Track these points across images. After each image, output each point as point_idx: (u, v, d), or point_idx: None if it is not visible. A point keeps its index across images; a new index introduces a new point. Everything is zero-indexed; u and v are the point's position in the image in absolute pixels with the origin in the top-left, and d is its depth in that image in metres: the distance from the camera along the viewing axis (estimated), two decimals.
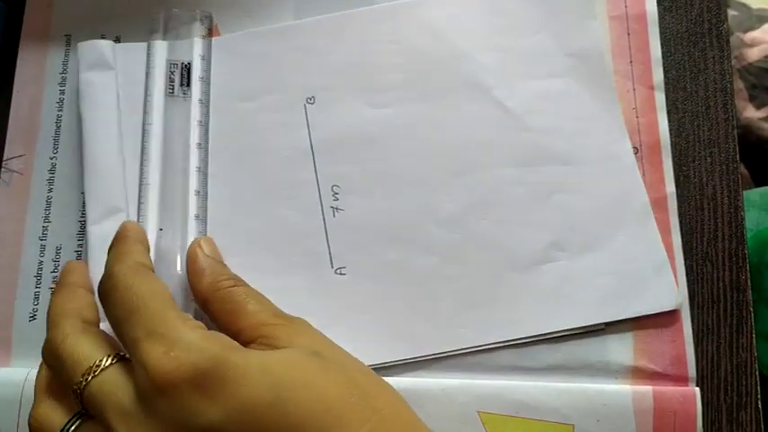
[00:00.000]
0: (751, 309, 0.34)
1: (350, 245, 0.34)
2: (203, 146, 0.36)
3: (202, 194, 0.35)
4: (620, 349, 0.32)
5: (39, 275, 0.36)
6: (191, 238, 0.34)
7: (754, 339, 0.33)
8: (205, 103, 0.36)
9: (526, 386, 0.32)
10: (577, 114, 0.35)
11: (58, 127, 0.38)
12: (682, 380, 0.32)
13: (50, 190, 0.37)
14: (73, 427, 0.27)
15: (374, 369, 0.32)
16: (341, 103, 0.36)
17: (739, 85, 0.54)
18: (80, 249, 0.36)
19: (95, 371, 0.27)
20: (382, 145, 0.35)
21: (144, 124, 0.36)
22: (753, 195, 0.49)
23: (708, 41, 0.37)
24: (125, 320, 0.27)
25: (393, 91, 0.36)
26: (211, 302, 0.30)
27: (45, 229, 0.36)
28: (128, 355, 0.27)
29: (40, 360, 0.34)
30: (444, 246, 0.34)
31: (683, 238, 0.34)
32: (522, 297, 0.33)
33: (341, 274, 0.34)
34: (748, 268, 0.34)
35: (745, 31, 0.56)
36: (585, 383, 0.32)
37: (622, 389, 0.31)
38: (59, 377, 0.28)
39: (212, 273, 0.31)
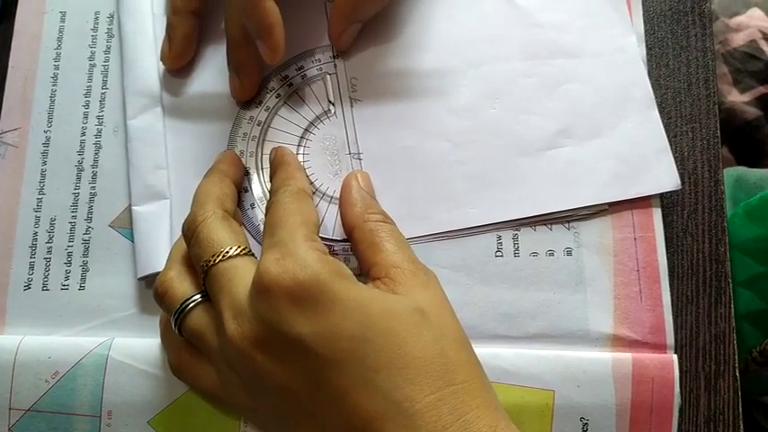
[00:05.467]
0: (729, 280, 0.34)
1: (366, 132, 0.36)
2: None
3: None
4: (601, 318, 0.33)
5: (33, 246, 0.36)
6: None
7: (732, 310, 0.34)
8: None
9: (507, 353, 0.32)
10: (586, 11, 0.37)
11: (53, 101, 0.38)
12: (660, 348, 0.32)
13: (44, 163, 0.37)
14: (192, 304, 0.29)
15: None
16: None
17: (724, 69, 0.55)
18: (74, 221, 0.36)
19: (224, 255, 0.29)
20: (399, 38, 0.37)
21: None
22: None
23: (690, 20, 0.37)
24: (267, 230, 0.30)
25: None
26: (356, 232, 0.31)
27: (39, 201, 0.37)
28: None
29: (32, 328, 0.35)
30: (457, 132, 0.35)
31: (663, 210, 0.34)
32: (530, 179, 0.34)
33: (358, 158, 0.35)
34: (727, 241, 0.35)
35: (731, 16, 0.57)
36: (566, 351, 0.32)
37: (602, 356, 0.32)
38: (191, 252, 0.30)
39: (364, 205, 0.32)
